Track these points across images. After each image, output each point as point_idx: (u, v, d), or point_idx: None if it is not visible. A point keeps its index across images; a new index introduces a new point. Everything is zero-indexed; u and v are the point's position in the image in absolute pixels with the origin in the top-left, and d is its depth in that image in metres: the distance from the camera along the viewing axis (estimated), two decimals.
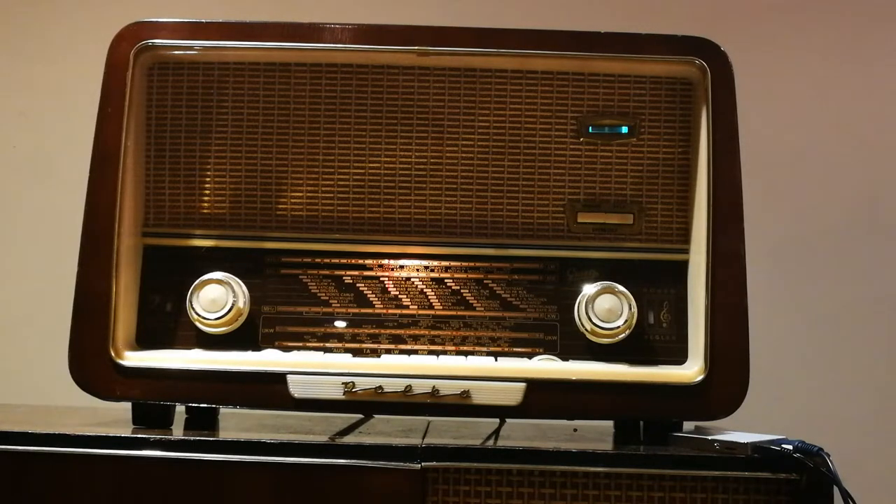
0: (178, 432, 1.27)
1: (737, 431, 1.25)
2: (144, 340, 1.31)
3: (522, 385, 1.26)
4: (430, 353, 1.32)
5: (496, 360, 1.31)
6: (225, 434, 1.27)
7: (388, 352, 1.32)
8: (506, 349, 1.33)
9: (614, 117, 1.35)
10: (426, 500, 1.16)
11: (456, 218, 1.34)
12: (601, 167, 1.35)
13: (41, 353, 1.70)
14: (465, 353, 1.32)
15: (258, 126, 1.35)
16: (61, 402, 1.48)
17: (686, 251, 1.33)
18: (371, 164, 1.34)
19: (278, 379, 1.26)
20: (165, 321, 1.32)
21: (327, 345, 1.32)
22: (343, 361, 1.29)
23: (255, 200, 1.35)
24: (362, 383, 1.25)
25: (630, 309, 1.28)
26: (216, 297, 1.29)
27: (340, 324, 1.32)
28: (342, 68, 1.35)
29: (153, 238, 1.34)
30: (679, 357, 1.31)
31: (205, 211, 1.35)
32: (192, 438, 1.19)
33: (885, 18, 2.03)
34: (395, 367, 1.27)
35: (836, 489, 1.14)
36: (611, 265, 1.33)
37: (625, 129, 1.34)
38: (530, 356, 1.32)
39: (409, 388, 1.25)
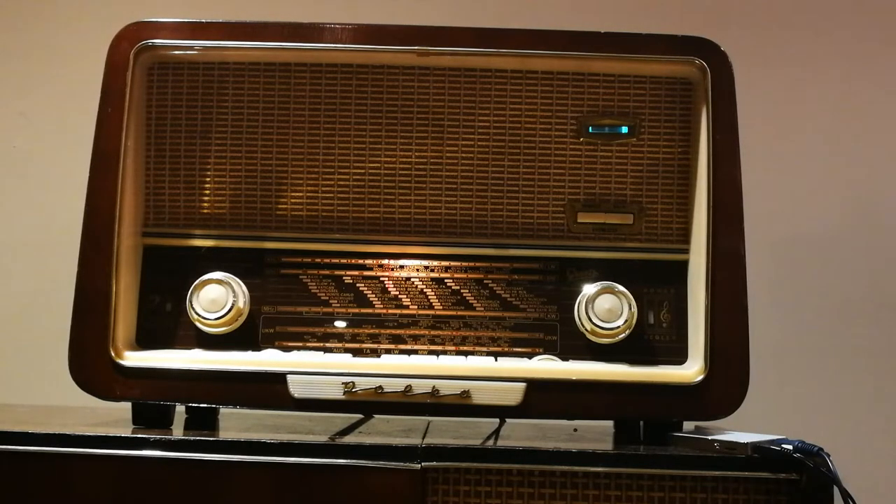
0: (178, 432, 1.27)
1: (737, 431, 1.25)
2: (144, 340, 1.31)
3: (522, 385, 1.26)
4: (430, 353, 1.32)
5: (496, 360, 1.31)
6: (225, 434, 1.27)
7: (388, 352, 1.32)
8: (506, 349, 1.32)
9: (614, 117, 1.35)
10: (426, 500, 1.16)
11: (456, 218, 1.34)
12: (601, 167, 1.35)
13: (41, 353, 1.70)
14: (465, 353, 1.32)
15: (258, 126, 1.35)
16: (61, 402, 1.48)
17: (686, 251, 1.33)
18: (371, 164, 1.34)
19: (278, 379, 1.26)
20: (165, 321, 1.32)
21: (327, 345, 1.32)
22: (343, 361, 1.29)
23: (255, 200, 1.35)
24: (362, 383, 1.25)
25: (630, 309, 1.28)
26: (216, 297, 1.29)
27: (340, 324, 1.32)
28: (342, 68, 1.35)
29: (153, 238, 1.34)
30: (679, 357, 1.31)
31: (205, 211, 1.35)
32: (192, 438, 1.19)
33: (885, 17, 2.03)
34: (395, 367, 1.27)
35: (836, 489, 1.14)
36: (611, 265, 1.33)
37: (625, 129, 1.34)
38: (530, 356, 1.32)
39: (409, 388, 1.25)
